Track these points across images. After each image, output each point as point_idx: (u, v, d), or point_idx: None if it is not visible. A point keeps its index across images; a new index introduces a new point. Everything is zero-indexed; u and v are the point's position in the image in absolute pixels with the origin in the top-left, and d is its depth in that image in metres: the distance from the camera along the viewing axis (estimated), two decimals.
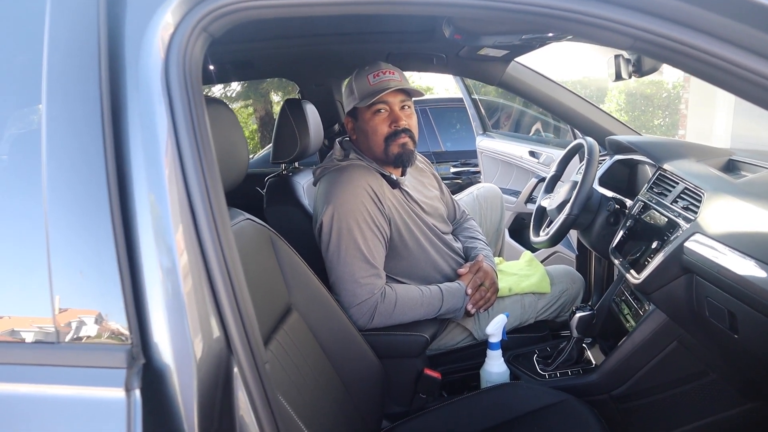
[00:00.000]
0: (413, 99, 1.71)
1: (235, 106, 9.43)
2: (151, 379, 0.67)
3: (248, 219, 1.22)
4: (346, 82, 1.74)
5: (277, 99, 8.59)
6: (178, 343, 0.69)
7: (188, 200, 0.72)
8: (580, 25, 0.70)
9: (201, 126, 0.75)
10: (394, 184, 1.70)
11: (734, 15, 0.68)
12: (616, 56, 1.43)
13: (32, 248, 0.70)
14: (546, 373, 1.63)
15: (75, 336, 0.69)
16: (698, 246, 1.17)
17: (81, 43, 0.72)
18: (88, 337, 0.69)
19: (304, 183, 2.00)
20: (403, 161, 1.69)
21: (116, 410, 0.65)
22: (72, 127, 0.71)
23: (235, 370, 0.73)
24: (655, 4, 0.68)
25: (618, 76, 1.43)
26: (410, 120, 1.68)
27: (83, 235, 0.69)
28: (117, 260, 0.68)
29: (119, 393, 0.65)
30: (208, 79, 2.74)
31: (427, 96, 6.71)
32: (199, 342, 0.70)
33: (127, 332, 0.68)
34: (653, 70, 1.40)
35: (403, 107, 1.66)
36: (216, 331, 0.72)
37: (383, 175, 1.69)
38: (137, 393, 0.66)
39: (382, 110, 1.64)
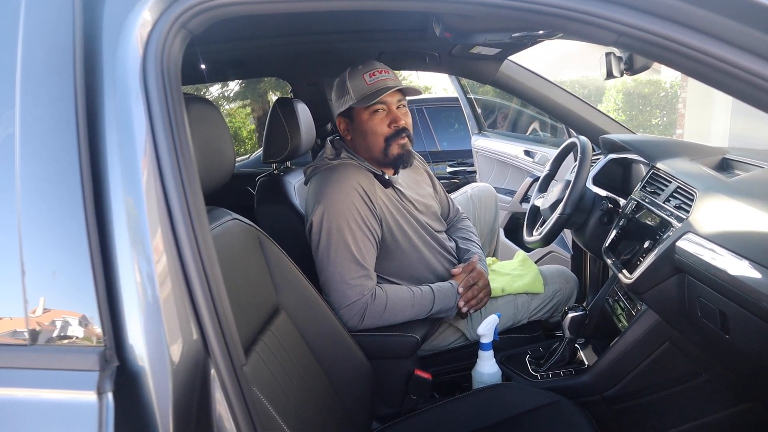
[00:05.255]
0: (408, 98, 1.71)
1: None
2: (125, 382, 0.66)
3: (235, 219, 1.20)
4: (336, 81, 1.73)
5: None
6: (153, 346, 0.67)
7: (166, 202, 0.70)
8: (560, 20, 0.69)
9: (179, 126, 0.73)
10: (387, 183, 1.69)
11: (720, 10, 0.67)
12: (607, 54, 1.42)
13: (4, 249, 0.69)
14: (538, 374, 1.62)
15: (47, 338, 0.68)
16: (690, 245, 1.16)
17: (56, 40, 0.71)
18: (61, 339, 0.68)
19: (295, 182, 1.98)
20: (403, 162, 1.69)
21: (87, 414, 0.63)
22: (46, 126, 0.70)
23: (212, 372, 0.71)
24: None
25: (609, 74, 1.42)
26: (407, 119, 1.68)
27: (57, 237, 0.68)
28: (91, 262, 0.67)
29: (91, 396, 0.64)
30: (200, 78, 2.73)
31: (423, 95, 6.70)
32: (175, 344, 0.68)
33: (100, 334, 0.67)
34: (645, 67, 1.39)
35: (399, 106, 1.66)
36: (193, 334, 0.71)
37: (375, 174, 1.68)
38: (110, 396, 0.64)
39: (381, 110, 1.64)
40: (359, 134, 1.69)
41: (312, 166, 1.74)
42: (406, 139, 1.67)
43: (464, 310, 1.68)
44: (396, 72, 1.77)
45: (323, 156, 1.73)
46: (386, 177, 1.69)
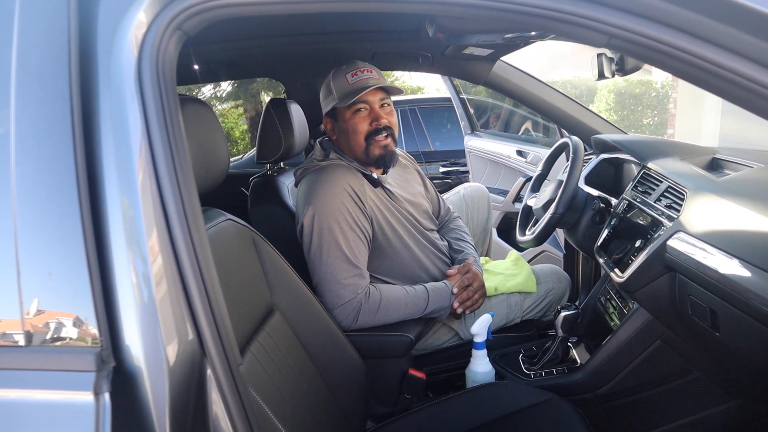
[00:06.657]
0: (399, 98, 1.70)
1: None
2: (121, 383, 0.66)
3: (229, 219, 1.21)
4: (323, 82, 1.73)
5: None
6: (149, 346, 0.68)
7: (161, 203, 0.71)
8: (552, 22, 0.70)
9: (175, 127, 0.74)
10: (376, 183, 1.69)
11: (709, 13, 0.68)
12: (599, 55, 1.43)
13: (0, 250, 0.69)
14: (531, 373, 1.63)
15: (43, 339, 0.68)
16: (680, 244, 1.17)
17: (51, 41, 0.71)
18: (57, 339, 0.68)
19: (288, 183, 1.98)
20: (385, 162, 1.69)
21: (84, 415, 0.64)
22: (41, 126, 0.70)
23: (209, 371, 0.72)
24: (628, 2, 0.67)
25: (601, 75, 1.43)
26: (390, 118, 1.67)
27: (53, 238, 0.68)
28: (87, 262, 0.67)
29: (88, 397, 0.64)
30: (193, 79, 2.72)
31: (416, 95, 6.70)
32: (171, 344, 0.69)
33: (96, 335, 0.67)
34: (636, 68, 1.40)
35: (382, 105, 1.66)
36: (189, 334, 0.71)
37: (364, 174, 1.68)
38: (106, 397, 0.64)
39: (362, 109, 1.64)
40: (343, 133, 1.69)
41: (301, 168, 1.74)
42: (389, 139, 1.67)
43: (459, 311, 1.68)
44: (389, 72, 1.77)
45: (312, 157, 1.73)
46: (375, 176, 1.69)
